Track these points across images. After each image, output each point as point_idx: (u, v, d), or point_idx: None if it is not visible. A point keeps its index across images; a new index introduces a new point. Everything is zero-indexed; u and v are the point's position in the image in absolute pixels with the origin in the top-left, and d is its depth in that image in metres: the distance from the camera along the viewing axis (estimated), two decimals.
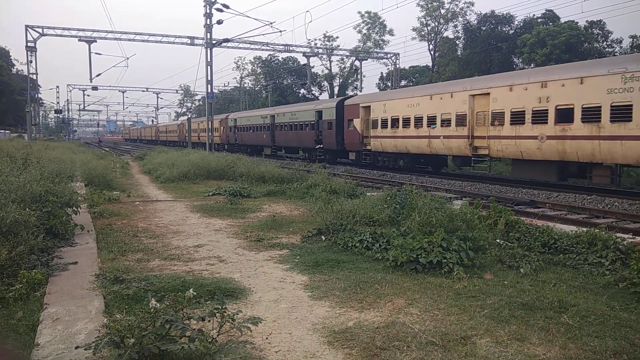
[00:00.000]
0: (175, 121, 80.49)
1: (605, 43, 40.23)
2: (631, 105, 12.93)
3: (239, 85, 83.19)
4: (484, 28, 42.35)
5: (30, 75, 43.22)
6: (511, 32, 41.90)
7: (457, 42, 47.70)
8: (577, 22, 38.63)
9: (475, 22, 43.79)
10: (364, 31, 56.39)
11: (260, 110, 45.23)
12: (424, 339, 4.06)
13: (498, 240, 7.14)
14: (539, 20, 42.01)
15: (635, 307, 4.91)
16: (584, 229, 7.28)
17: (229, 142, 46.33)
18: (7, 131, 64.84)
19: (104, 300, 4.84)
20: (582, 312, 4.64)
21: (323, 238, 7.91)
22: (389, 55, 50.26)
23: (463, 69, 42.54)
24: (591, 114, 13.94)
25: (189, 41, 39.80)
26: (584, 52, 36.65)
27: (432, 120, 20.28)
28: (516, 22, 42.06)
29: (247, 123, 42.05)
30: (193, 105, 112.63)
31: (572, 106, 14.49)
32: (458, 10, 49.73)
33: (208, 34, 30.62)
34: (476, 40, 42.01)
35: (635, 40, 38.19)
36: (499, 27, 42.11)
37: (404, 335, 4.15)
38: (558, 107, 14.93)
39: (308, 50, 46.45)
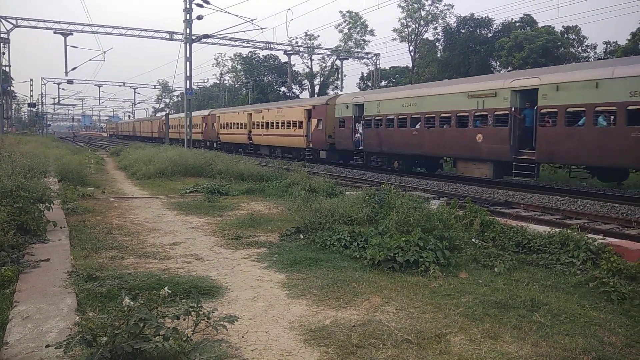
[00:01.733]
0: (201, 111, 49.26)
1: (580, 48, 41.27)
2: None
3: (218, 82, 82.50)
4: (463, 31, 42.98)
5: (3, 68, 42.06)
6: (490, 35, 42.62)
7: (437, 44, 48.29)
8: (554, 27, 39.59)
9: (455, 24, 44.41)
10: (345, 31, 56.64)
11: (459, 81, 20.83)
12: (399, 337, 4.10)
13: (473, 240, 7.25)
14: (517, 24, 42.85)
15: (605, 306, 5.04)
16: (557, 230, 7.44)
17: (339, 144, 25.83)
18: None
19: (76, 298, 4.73)
20: (553, 311, 4.74)
21: (301, 236, 7.90)
22: (369, 55, 50.53)
23: (442, 70, 43.12)
24: None
25: (168, 36, 39.22)
26: (559, 57, 37.51)
27: None
28: (495, 26, 42.85)
29: (407, 111, 20.85)
30: (171, 101, 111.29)
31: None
32: (438, 12, 50.38)
33: (188, 30, 30.28)
34: (455, 43, 42.60)
35: (608, 46, 39.26)
36: (478, 30, 42.78)
37: (380, 333, 4.18)
38: None
39: (289, 48, 46.34)
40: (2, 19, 38.21)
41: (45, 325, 4.04)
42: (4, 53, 40.44)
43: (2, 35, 38.78)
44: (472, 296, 5.12)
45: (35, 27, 38.68)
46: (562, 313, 4.70)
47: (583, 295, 5.34)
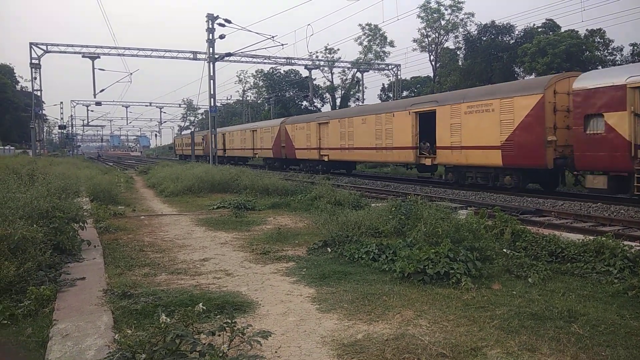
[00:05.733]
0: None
1: (606, 51, 40.40)
2: None
3: (241, 99, 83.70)
4: (484, 38, 42.61)
5: (35, 92, 43.58)
6: (512, 41, 42.14)
7: (458, 52, 48.02)
8: (578, 31, 38.87)
9: (476, 32, 44.07)
10: (365, 43, 56.82)
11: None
12: (434, 351, 4.05)
13: (505, 250, 7.12)
14: (540, 29, 42.26)
15: None
16: (591, 238, 7.26)
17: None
18: (11, 147, 65.17)
19: (112, 316, 4.83)
20: (592, 322, 4.62)
21: (329, 250, 7.90)
22: (390, 67, 50.57)
23: (464, 79, 42.75)
24: None
25: (191, 56, 40.12)
26: (584, 61, 36.79)
27: None
28: (516, 32, 42.36)
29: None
30: (196, 119, 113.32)
31: None
32: (458, 21, 50.18)
33: (210, 49, 30.89)
34: (477, 51, 42.25)
35: (635, 48, 38.36)
36: (499, 37, 42.36)
37: (414, 347, 4.13)
38: None
39: (309, 62, 46.80)
40: (33, 46, 39.72)
41: (84, 343, 4.13)
42: (35, 78, 41.88)
43: (33, 61, 40.24)
44: (507, 308, 5.03)
45: (65, 52, 40.11)
46: (601, 324, 4.57)
47: (622, 305, 5.18)
